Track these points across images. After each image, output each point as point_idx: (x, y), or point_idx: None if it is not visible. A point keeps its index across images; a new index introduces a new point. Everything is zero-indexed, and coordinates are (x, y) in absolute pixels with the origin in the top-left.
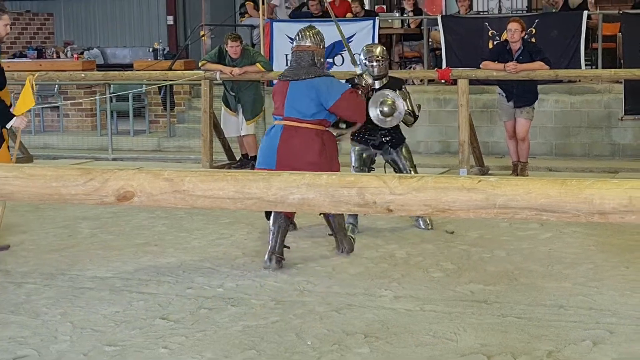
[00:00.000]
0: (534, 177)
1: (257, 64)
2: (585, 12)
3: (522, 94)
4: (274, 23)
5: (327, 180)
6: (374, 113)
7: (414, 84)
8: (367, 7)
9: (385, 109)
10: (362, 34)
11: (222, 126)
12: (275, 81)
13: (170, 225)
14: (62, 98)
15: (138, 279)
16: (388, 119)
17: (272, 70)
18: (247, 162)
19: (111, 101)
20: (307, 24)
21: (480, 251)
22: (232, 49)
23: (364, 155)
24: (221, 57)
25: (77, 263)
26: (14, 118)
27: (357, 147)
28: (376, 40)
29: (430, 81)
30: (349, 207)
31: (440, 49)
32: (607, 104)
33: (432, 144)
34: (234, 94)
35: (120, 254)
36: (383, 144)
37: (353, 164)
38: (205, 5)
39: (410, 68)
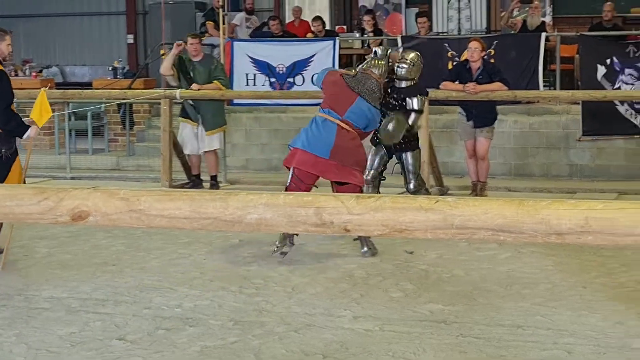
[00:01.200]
0: (492, 197)
1: (216, 82)
2: (544, 34)
3: (481, 114)
4: (235, 42)
5: (285, 200)
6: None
7: None
8: (327, 27)
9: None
10: (322, 54)
11: (181, 142)
12: (236, 100)
13: (128, 245)
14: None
15: (95, 299)
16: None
17: (231, 89)
18: (199, 182)
19: (70, 119)
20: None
21: (440, 271)
22: (192, 46)
23: (379, 155)
24: (181, 66)
25: (34, 283)
26: (30, 128)
27: (373, 149)
28: (336, 61)
29: None
30: (306, 228)
31: None
32: (565, 125)
33: (392, 164)
34: (193, 103)
35: (78, 274)
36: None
37: (368, 165)
38: (166, 24)
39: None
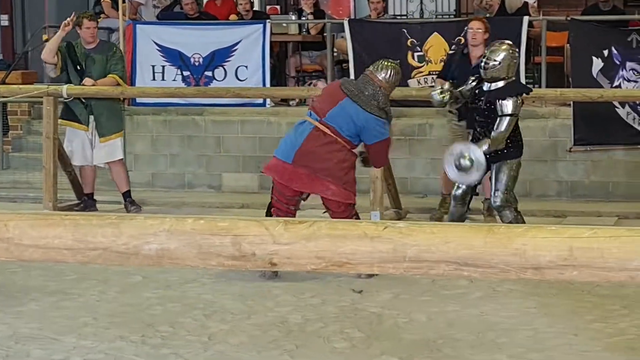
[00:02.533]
0: (454, 223)
1: (113, 75)
2: (526, 18)
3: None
4: (138, 25)
5: (194, 226)
6: (449, 170)
7: None
8: (256, 7)
9: (464, 164)
10: (248, 42)
11: (68, 152)
12: (139, 99)
13: (0, 283)
14: None
15: None
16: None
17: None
18: (92, 204)
19: None
20: (385, 60)
21: (395, 315)
22: (89, 30)
23: None
24: (70, 54)
25: None
26: None
27: None
28: (266, 50)
29: None
30: (221, 261)
31: (347, 61)
32: (553, 132)
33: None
34: (85, 102)
35: None
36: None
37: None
38: (50, 3)
39: (309, 84)
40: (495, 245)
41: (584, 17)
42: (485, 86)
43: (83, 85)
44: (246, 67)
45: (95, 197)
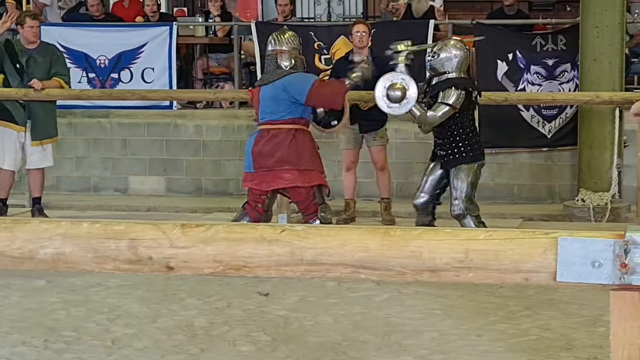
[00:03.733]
0: (353, 226)
1: (59, 79)
2: (432, 22)
3: (368, 116)
4: (43, 27)
5: (90, 230)
6: (378, 93)
7: (221, 107)
8: (163, 9)
9: (392, 93)
10: (155, 44)
11: None
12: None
13: None
14: None
15: None
16: (394, 105)
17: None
18: (4, 209)
19: None
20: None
21: (302, 318)
22: (31, 30)
23: (433, 175)
24: (8, 50)
25: None
26: None
27: (428, 167)
28: (173, 52)
29: (243, 104)
30: (118, 265)
31: (255, 64)
32: None
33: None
34: (23, 103)
35: None
36: (438, 158)
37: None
38: None
39: (216, 87)
40: (391, 248)
41: (489, 21)
42: (434, 81)
43: (30, 86)
44: (153, 69)
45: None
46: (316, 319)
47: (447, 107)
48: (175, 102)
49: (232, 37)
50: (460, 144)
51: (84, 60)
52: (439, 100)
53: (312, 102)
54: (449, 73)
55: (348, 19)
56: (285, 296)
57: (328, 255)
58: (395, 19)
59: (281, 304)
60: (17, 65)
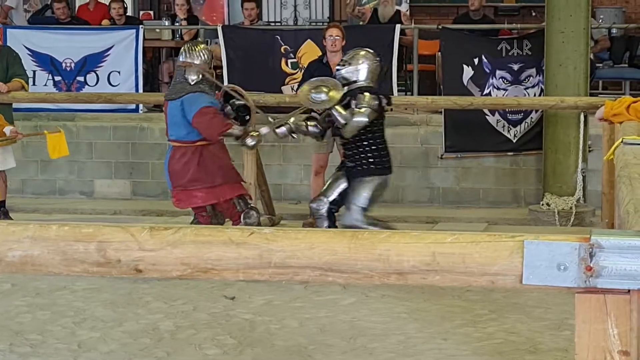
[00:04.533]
0: (320, 229)
1: (19, 80)
2: (398, 26)
3: None
4: (8, 30)
5: (58, 233)
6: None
7: None
8: (129, 13)
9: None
10: (121, 47)
11: None
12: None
13: None
14: None
15: None
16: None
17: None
18: None
19: None
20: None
21: (268, 321)
22: None
23: (338, 182)
24: None
25: None
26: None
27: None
28: (139, 56)
29: None
30: (87, 268)
31: (222, 68)
32: (425, 139)
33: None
34: None
35: None
36: (344, 169)
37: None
38: None
39: None
40: (358, 251)
41: (455, 25)
42: (345, 89)
43: None
44: (119, 72)
45: None
46: (282, 323)
47: (369, 109)
48: (141, 106)
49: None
50: (369, 156)
51: (49, 64)
52: (355, 106)
53: (194, 126)
54: (358, 82)
55: (314, 23)
56: (251, 300)
57: (296, 258)
58: (361, 23)
59: (247, 307)
60: None
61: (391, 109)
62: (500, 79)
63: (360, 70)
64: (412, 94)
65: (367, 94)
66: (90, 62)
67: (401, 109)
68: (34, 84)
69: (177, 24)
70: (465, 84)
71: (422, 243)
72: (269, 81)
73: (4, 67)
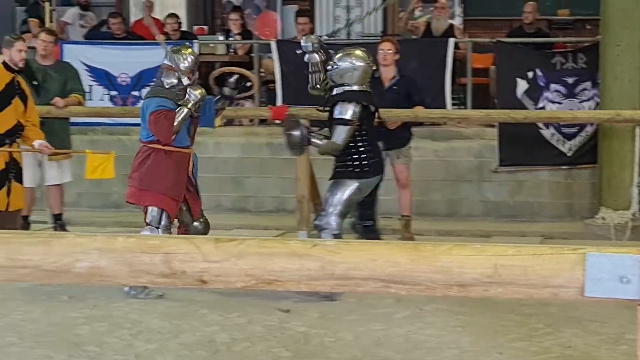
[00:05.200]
0: (381, 241)
1: (77, 96)
2: (452, 40)
3: (393, 134)
4: (65, 45)
5: (125, 244)
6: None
7: (241, 124)
8: (184, 28)
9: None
10: None
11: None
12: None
13: None
14: None
15: None
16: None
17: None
18: (26, 225)
19: None
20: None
21: (322, 334)
22: (42, 43)
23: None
24: (26, 69)
25: None
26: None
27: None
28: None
29: (262, 121)
30: (152, 279)
31: (275, 82)
32: (478, 153)
33: (264, 200)
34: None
35: None
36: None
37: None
38: None
39: (236, 105)
40: (420, 263)
41: (509, 39)
42: (333, 91)
43: (53, 104)
44: None
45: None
46: (337, 336)
47: (346, 127)
48: None
49: (252, 55)
50: (347, 159)
51: (105, 78)
52: (335, 116)
53: (149, 127)
54: (347, 85)
55: (367, 37)
56: (306, 312)
57: (358, 270)
58: (414, 37)
59: (302, 320)
60: (34, 82)
61: (379, 117)
62: (555, 93)
63: (349, 72)
64: (465, 108)
65: (348, 103)
66: (146, 77)
67: (455, 122)
68: (90, 99)
69: (231, 38)
70: (520, 97)
71: (483, 255)
72: (323, 95)
73: (63, 82)
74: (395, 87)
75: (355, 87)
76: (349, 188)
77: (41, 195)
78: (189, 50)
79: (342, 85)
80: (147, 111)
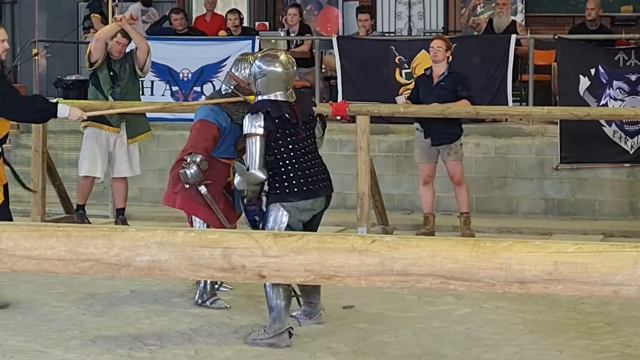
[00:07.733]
0: (441, 237)
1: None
2: (514, 37)
3: (440, 130)
4: None
5: (185, 239)
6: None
7: None
8: (245, 24)
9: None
10: None
11: (79, 161)
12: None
13: None
14: None
15: None
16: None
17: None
18: (83, 215)
19: None
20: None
21: (382, 331)
22: (117, 45)
23: None
24: (107, 56)
25: None
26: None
27: None
28: None
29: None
30: (212, 273)
31: (336, 78)
32: (540, 150)
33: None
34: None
35: None
36: None
37: None
38: (40, 17)
39: None
40: (480, 259)
41: (572, 35)
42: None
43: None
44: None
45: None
46: (396, 332)
47: (249, 140)
48: None
49: (313, 51)
50: (273, 179)
51: (167, 74)
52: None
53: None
54: (258, 94)
55: (429, 33)
56: (365, 309)
57: (418, 266)
58: (476, 33)
59: (361, 316)
60: (111, 73)
61: (294, 122)
62: (618, 90)
63: (256, 79)
64: (527, 105)
65: (247, 117)
66: (207, 73)
67: (516, 119)
68: (152, 94)
69: (292, 34)
70: (582, 94)
71: (544, 252)
72: (383, 91)
73: (133, 71)
74: (442, 83)
75: (270, 96)
76: (276, 214)
77: (103, 189)
78: (251, 59)
79: (258, 94)
80: (196, 117)
